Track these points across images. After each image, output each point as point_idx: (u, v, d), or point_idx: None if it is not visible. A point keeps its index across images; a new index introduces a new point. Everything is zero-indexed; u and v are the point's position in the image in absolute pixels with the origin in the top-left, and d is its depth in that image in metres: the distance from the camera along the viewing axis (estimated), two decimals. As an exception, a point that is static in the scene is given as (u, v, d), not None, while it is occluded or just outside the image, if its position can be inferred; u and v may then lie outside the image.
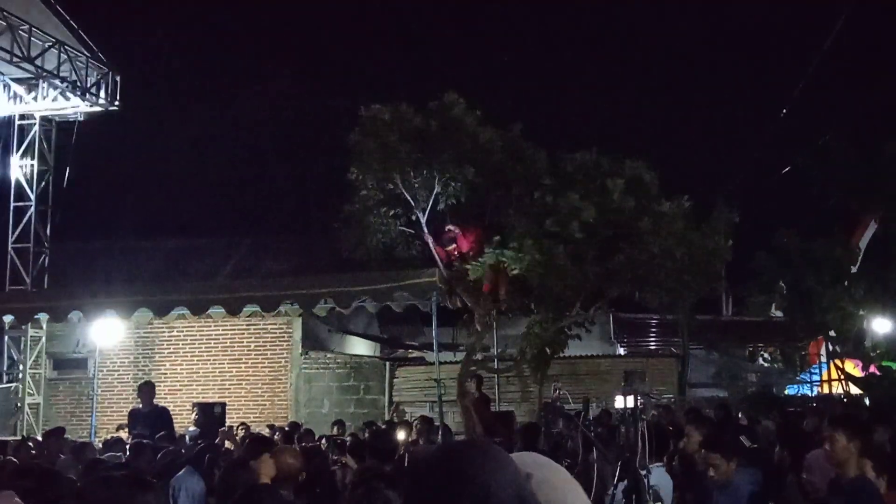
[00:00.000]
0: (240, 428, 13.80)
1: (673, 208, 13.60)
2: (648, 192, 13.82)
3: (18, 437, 15.26)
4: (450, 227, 14.36)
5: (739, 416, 13.63)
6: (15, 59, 18.01)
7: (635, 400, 9.19)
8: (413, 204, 14.26)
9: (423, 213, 14.26)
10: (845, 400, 17.77)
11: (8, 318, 17.06)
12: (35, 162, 19.81)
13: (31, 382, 18.53)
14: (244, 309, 15.89)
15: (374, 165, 14.01)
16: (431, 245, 14.37)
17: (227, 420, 15.07)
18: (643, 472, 7.01)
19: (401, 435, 11.22)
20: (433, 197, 14.12)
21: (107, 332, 16.30)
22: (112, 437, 11.90)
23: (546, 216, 13.42)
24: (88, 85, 19.52)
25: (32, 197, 19.67)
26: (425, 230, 14.37)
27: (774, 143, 26.38)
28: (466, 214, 14.72)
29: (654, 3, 34.06)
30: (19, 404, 18.37)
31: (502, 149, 14.34)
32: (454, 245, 14.21)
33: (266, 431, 13.33)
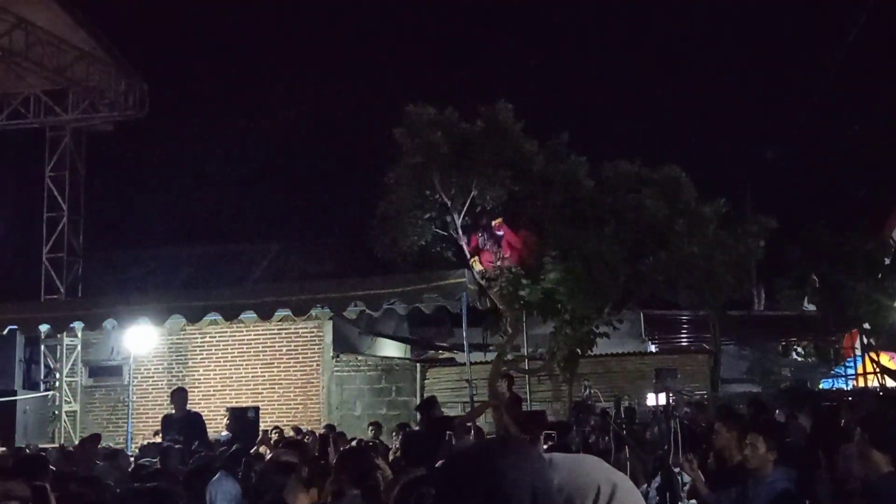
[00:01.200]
0: (273, 432, 13.90)
1: (710, 212, 13.55)
2: (682, 196, 13.77)
3: (56, 445, 15.47)
4: (498, 222, 14.18)
5: (777, 412, 13.51)
6: (45, 72, 18.28)
7: (667, 397, 9.18)
8: (449, 205, 14.28)
9: (459, 216, 14.28)
10: (881, 393, 17.59)
11: (44, 328, 17.32)
12: (66, 173, 20.07)
13: (67, 390, 18.76)
14: (275, 314, 16.00)
15: (416, 161, 14.04)
16: (465, 247, 14.36)
17: (260, 424, 15.23)
18: (676, 470, 7.01)
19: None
20: (469, 200, 14.14)
21: (141, 339, 16.48)
22: (148, 442, 12.03)
23: (586, 221, 13.44)
24: (117, 94, 19.76)
25: (65, 207, 19.95)
26: (459, 233, 14.39)
27: (804, 134, 26.14)
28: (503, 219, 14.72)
29: (678, 7, 33.83)
30: (56, 412, 18.61)
31: (545, 157, 14.35)
32: (498, 244, 14.07)
33: (292, 434, 13.41)
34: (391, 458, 9.96)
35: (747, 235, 13.98)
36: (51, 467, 7.73)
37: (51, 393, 19.08)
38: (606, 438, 10.04)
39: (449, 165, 13.91)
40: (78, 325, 17.14)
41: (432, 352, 20.87)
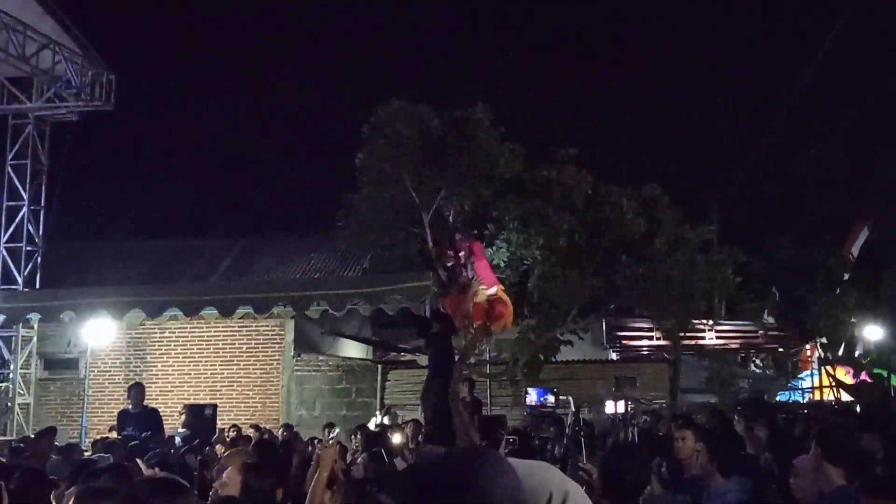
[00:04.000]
0: (231, 430, 13.78)
1: (694, 237, 13.64)
2: (660, 215, 13.84)
3: (9, 438, 15.22)
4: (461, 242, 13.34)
5: (735, 419, 13.62)
6: (9, 59, 17.98)
7: (626, 405, 9.24)
8: (417, 202, 14.19)
9: (427, 214, 14.20)
10: (836, 406, 17.83)
11: (-1, 318, 16.99)
12: (28, 161, 19.76)
13: (21, 382, 18.47)
14: (237, 310, 15.84)
15: (383, 155, 13.95)
16: (431, 250, 14.24)
17: (218, 422, 15.07)
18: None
19: (396, 438, 11.19)
20: (437, 200, 14.05)
21: (98, 333, 16.25)
22: (101, 437, 11.86)
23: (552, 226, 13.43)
24: (83, 85, 19.49)
25: (25, 197, 19.63)
26: (427, 231, 14.30)
27: (769, 150, 26.43)
28: (470, 220, 14.64)
29: (648, 12, 34.10)
30: (10, 404, 18.31)
31: (524, 161, 14.26)
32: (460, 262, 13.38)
33: (252, 433, 13.28)
34: (349, 458, 9.89)
35: (720, 264, 14.13)
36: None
37: (4, 385, 18.76)
38: (560, 446, 10.06)
39: (420, 162, 13.82)
40: (34, 317, 16.85)
41: (394, 353, 20.81)
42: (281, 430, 14.11)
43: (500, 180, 14.10)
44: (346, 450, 11.22)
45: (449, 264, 11.93)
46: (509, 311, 12.46)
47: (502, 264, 13.61)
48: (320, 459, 5.59)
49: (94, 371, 18.11)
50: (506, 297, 12.09)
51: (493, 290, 12.22)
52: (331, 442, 5.99)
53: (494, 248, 13.74)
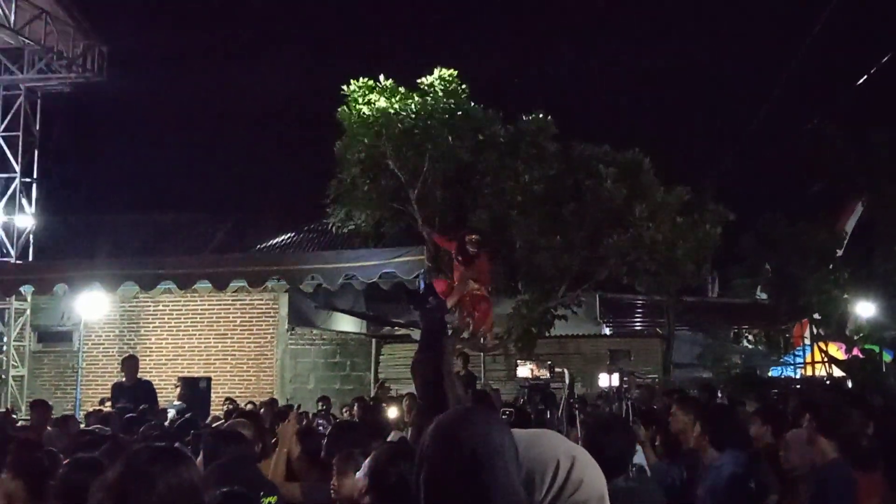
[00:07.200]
0: (225, 403, 13.82)
1: (670, 198, 13.60)
2: (641, 179, 13.79)
3: (2, 409, 15.24)
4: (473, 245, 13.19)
5: (719, 395, 13.71)
6: (0, 29, 17.83)
7: (620, 378, 9.28)
8: (402, 178, 14.15)
9: (414, 191, 14.16)
10: (828, 382, 17.94)
11: (-8, 290, 16.94)
12: (20, 133, 19.65)
13: (15, 355, 18.47)
14: (231, 284, 15.83)
15: (362, 138, 13.92)
16: (423, 229, 14.22)
17: (212, 395, 15.12)
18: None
19: (392, 412, 11.24)
20: (423, 174, 14.01)
21: (92, 306, 16.24)
22: (93, 409, 11.88)
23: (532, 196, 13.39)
24: (74, 56, 19.34)
25: (18, 168, 19.53)
26: (415, 207, 14.27)
27: (764, 127, 26.41)
28: (455, 193, 14.62)
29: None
30: (3, 376, 18.32)
31: (502, 126, 14.24)
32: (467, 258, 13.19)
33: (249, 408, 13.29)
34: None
35: (705, 223, 14.08)
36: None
37: (-2, 357, 18.78)
38: (555, 419, 10.11)
39: (399, 139, 13.77)
40: (27, 289, 16.81)
41: (388, 328, 20.84)
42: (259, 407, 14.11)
43: (479, 141, 14.08)
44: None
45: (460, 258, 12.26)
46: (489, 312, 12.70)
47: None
48: (279, 436, 5.67)
49: (87, 344, 18.11)
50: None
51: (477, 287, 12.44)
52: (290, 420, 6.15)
53: (476, 215, 13.75)
